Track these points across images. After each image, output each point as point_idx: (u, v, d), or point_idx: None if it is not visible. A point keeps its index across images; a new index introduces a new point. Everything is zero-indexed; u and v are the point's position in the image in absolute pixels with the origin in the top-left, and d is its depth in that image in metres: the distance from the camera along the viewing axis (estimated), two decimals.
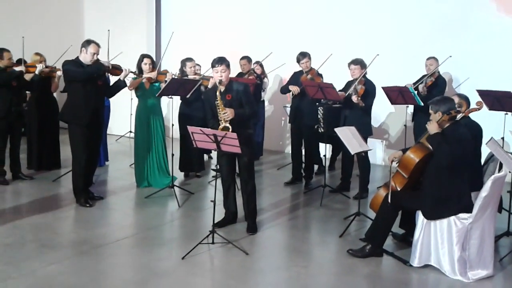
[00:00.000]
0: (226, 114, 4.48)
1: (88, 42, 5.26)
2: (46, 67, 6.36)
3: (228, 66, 4.58)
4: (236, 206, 4.95)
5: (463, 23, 6.95)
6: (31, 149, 6.80)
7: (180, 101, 6.45)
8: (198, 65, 6.78)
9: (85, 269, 3.95)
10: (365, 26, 7.60)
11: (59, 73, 6.34)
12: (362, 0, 7.68)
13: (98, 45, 5.27)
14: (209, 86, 6.30)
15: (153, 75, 5.89)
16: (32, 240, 4.48)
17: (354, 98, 5.60)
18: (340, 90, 5.86)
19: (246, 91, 4.66)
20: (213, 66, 4.57)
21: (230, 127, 4.48)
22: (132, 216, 5.37)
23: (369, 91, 5.71)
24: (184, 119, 6.35)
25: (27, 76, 6.13)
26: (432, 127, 4.02)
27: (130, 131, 8.99)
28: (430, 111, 4.07)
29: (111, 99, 6.27)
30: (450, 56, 6.21)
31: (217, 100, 4.53)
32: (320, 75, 6.26)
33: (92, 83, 5.23)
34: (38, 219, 5.00)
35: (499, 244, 4.50)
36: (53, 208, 5.36)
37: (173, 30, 9.27)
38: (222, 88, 4.58)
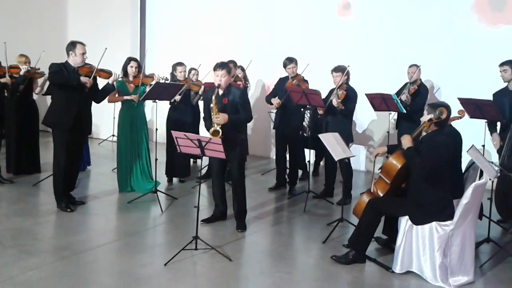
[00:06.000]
0: (218, 118, 4.65)
1: (73, 44, 5.19)
2: (31, 68, 6.28)
3: (229, 72, 4.80)
4: (225, 205, 5.12)
5: (446, 32, 7.07)
6: (9, 152, 6.67)
7: (169, 105, 6.42)
8: (195, 69, 6.76)
9: (66, 276, 3.88)
10: (349, 34, 7.67)
11: (46, 76, 6.28)
12: (346, 7, 7.76)
13: (83, 44, 5.23)
14: (200, 92, 6.31)
15: (134, 98, 5.84)
16: (11, 246, 4.39)
17: (334, 101, 5.65)
18: (323, 99, 5.90)
19: (243, 96, 4.89)
20: (214, 69, 4.76)
21: (220, 131, 4.64)
22: (114, 221, 5.31)
23: (350, 96, 5.76)
24: (172, 123, 6.32)
25: (6, 79, 6.05)
26: (406, 142, 4.11)
27: (113, 135, 8.91)
28: (425, 111, 4.13)
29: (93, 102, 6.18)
30: (420, 66, 6.23)
31: (211, 104, 4.68)
32: (306, 81, 6.29)
33: (75, 87, 5.15)
34: (17, 224, 4.91)
35: (480, 251, 4.56)
36: (33, 213, 5.28)
37: (157, 34, 9.35)
38: (220, 92, 4.76)
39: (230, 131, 4.69)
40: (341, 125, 5.74)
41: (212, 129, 4.68)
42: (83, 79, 5.15)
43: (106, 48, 5.25)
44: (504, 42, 6.63)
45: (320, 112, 5.95)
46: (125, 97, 5.88)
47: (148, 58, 9.30)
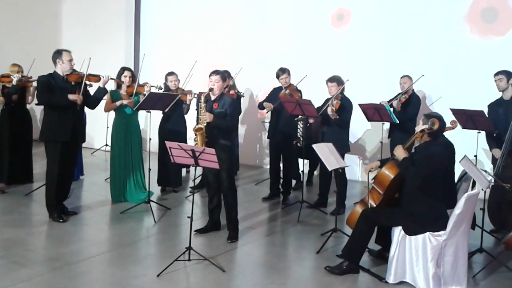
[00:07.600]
0: (204, 116, 4.78)
1: (59, 53, 5.19)
2: (23, 77, 6.27)
3: (223, 79, 5.04)
4: (219, 215, 5.11)
5: (438, 43, 7.13)
6: (2, 162, 6.61)
7: (162, 115, 6.42)
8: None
9: (57, 287, 3.84)
10: (343, 44, 7.72)
11: (35, 84, 6.27)
12: (340, 18, 7.82)
13: (69, 51, 5.23)
14: (187, 102, 6.33)
15: (130, 103, 5.85)
16: (3, 257, 4.35)
17: (329, 110, 5.66)
18: (318, 107, 5.92)
19: (233, 104, 5.03)
20: (210, 75, 4.93)
21: (204, 128, 4.75)
22: (106, 232, 5.27)
23: (344, 106, 5.78)
24: (164, 133, 6.31)
25: None
26: (399, 153, 4.12)
27: (106, 145, 8.88)
28: (420, 121, 4.15)
29: (87, 112, 6.16)
30: (423, 75, 6.30)
31: (200, 101, 4.86)
32: (299, 91, 6.32)
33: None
34: (9, 235, 4.87)
35: (473, 261, 4.57)
36: (25, 223, 5.24)
37: (152, 43, 9.37)
38: (212, 97, 4.92)
39: (215, 136, 4.79)
40: (337, 135, 5.75)
41: (197, 126, 4.78)
42: (71, 96, 5.11)
43: (90, 58, 5.22)
44: (495, 53, 6.70)
45: (311, 121, 6.01)
46: (121, 102, 5.86)
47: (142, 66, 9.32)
